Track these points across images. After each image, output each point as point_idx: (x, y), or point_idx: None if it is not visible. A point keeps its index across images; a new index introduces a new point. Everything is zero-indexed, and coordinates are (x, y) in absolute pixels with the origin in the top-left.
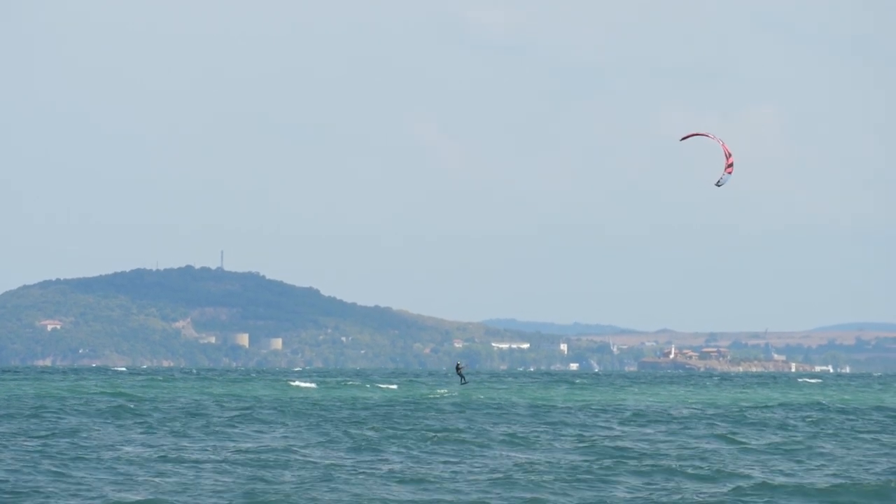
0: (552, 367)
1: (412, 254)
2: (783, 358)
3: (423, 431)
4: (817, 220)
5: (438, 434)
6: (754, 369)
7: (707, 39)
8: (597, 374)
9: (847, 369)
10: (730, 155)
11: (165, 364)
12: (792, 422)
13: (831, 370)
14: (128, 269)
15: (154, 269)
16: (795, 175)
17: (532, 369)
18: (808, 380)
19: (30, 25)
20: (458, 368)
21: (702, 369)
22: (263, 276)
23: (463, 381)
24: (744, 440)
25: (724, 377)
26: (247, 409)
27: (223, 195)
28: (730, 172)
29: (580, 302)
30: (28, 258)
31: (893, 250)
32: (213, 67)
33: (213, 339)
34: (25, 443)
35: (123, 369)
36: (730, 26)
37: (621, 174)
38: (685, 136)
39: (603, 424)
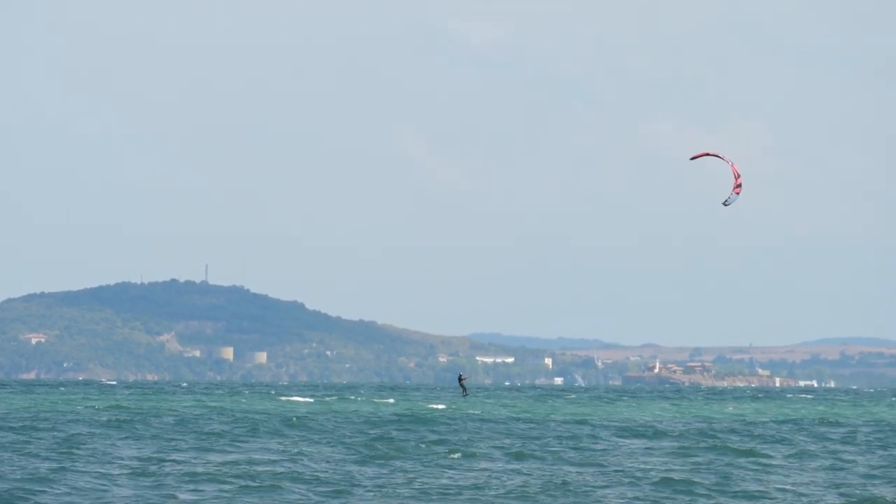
0: (536, 382)
1: (397, 267)
2: (767, 373)
3: (434, 446)
4: (802, 234)
5: (455, 450)
6: (739, 384)
7: (692, 52)
8: (596, 387)
9: (832, 384)
10: (738, 176)
11: (150, 377)
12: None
13: (815, 385)
14: (112, 283)
15: (139, 282)
16: (780, 189)
17: (518, 384)
18: (805, 395)
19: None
20: (460, 380)
21: (686, 384)
22: (248, 290)
23: (464, 394)
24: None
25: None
26: (255, 423)
27: (208, 208)
28: (738, 193)
29: (565, 316)
30: (12, 271)
31: (878, 265)
32: (198, 79)
33: (197, 353)
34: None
35: (114, 382)
36: (715, 39)
37: (606, 187)
38: (696, 155)
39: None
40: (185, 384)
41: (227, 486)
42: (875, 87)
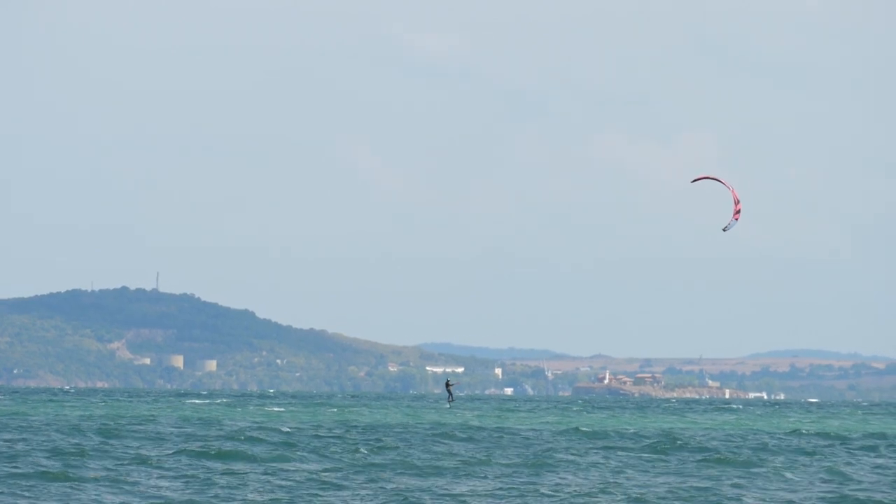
0: (486, 392)
1: (348, 277)
2: (717, 384)
3: (444, 454)
4: (752, 247)
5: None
6: (689, 395)
7: (644, 65)
8: (592, 399)
9: (781, 396)
10: (738, 202)
11: (100, 385)
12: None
13: (765, 397)
14: (63, 290)
15: (89, 289)
16: (728, 201)
17: (466, 393)
18: (768, 405)
19: None
20: (447, 386)
21: (636, 395)
22: (199, 298)
23: (451, 400)
24: None
25: (720, 403)
26: (248, 433)
27: (158, 216)
28: (737, 219)
29: (515, 327)
30: None
31: (828, 278)
32: (151, 87)
33: (147, 361)
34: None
35: (71, 389)
36: (668, 53)
37: (558, 199)
38: (696, 178)
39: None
40: (148, 392)
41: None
42: (827, 99)
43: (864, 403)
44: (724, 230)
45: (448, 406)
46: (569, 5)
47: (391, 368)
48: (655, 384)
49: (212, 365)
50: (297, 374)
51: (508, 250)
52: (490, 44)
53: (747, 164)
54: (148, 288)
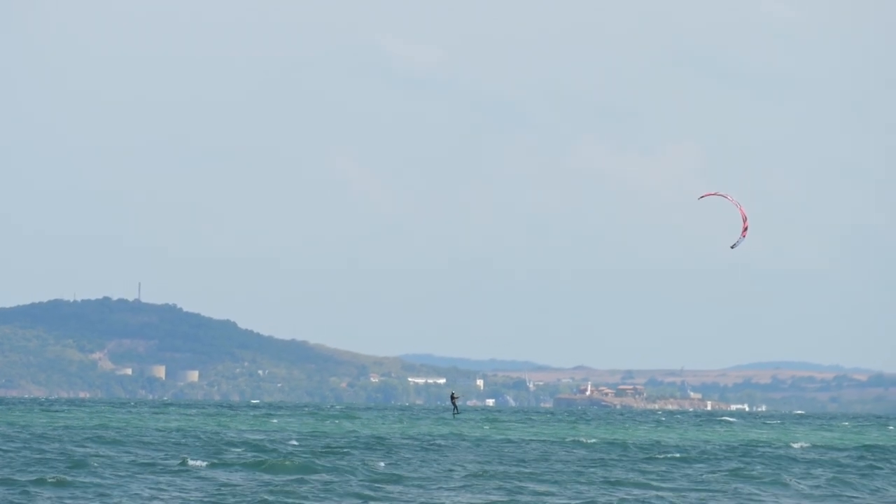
0: (468, 404)
1: (330, 287)
2: (699, 396)
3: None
4: (734, 258)
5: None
6: (670, 407)
7: (626, 75)
8: (594, 412)
9: (763, 408)
10: (745, 219)
11: (82, 395)
12: None
13: (747, 409)
14: (45, 300)
15: (71, 300)
16: (712, 213)
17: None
18: (727, 418)
19: None
20: (452, 398)
21: (618, 406)
22: (181, 309)
23: (456, 412)
24: None
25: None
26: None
27: (140, 226)
28: (744, 236)
29: (496, 338)
30: None
31: (810, 290)
32: (135, 93)
33: (129, 371)
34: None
35: (43, 399)
36: (651, 64)
37: (540, 210)
38: (704, 195)
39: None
40: (133, 403)
41: None
42: (809, 110)
43: (870, 414)
44: (732, 247)
45: (453, 417)
46: (552, 17)
47: (373, 379)
48: (637, 396)
49: (193, 375)
50: (279, 385)
51: (490, 261)
52: (474, 55)
53: (730, 176)
54: (130, 298)
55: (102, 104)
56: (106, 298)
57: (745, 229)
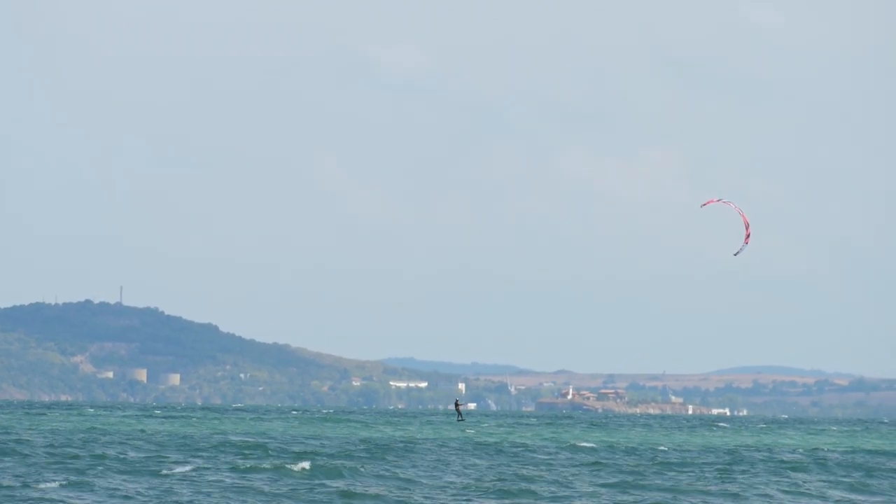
0: (449, 407)
1: (311, 291)
2: (680, 400)
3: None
4: (716, 263)
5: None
6: (652, 411)
7: (611, 83)
8: (598, 416)
9: (744, 412)
10: (748, 226)
11: (63, 398)
12: None
13: (728, 413)
14: (26, 303)
15: (53, 303)
16: (693, 218)
17: (430, 407)
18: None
19: None
20: (456, 405)
21: (599, 410)
22: (162, 312)
23: (460, 419)
24: None
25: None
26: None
27: (122, 229)
28: (747, 243)
29: (478, 342)
30: None
31: (791, 295)
32: (120, 96)
33: (110, 374)
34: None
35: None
36: (634, 70)
37: (523, 215)
38: (706, 202)
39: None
40: (120, 407)
41: None
42: (791, 116)
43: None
44: (735, 255)
45: (459, 422)
46: (536, 24)
47: (354, 383)
48: (619, 400)
49: (175, 379)
50: (261, 389)
51: (473, 265)
52: (458, 60)
53: (711, 181)
54: (111, 301)
55: (83, 109)
56: (87, 301)
57: (748, 236)
